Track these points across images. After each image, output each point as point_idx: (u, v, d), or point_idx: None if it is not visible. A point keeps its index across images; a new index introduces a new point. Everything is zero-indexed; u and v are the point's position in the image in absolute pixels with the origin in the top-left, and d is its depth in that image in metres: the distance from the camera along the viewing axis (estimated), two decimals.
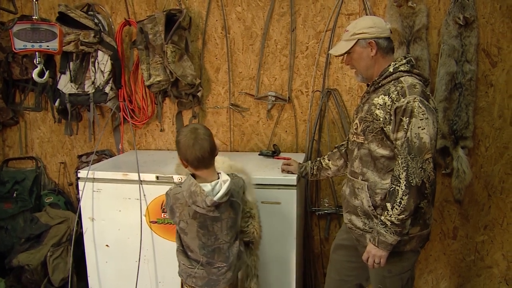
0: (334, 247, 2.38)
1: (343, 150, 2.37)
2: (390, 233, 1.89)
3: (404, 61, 2.02)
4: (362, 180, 2.05)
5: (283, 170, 2.53)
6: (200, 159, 1.92)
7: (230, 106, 3.17)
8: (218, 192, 1.90)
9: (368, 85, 2.16)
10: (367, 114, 2.02)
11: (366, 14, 2.87)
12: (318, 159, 2.49)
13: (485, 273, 3.03)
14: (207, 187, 1.90)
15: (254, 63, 3.11)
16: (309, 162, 2.50)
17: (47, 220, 3.19)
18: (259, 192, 2.46)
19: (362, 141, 2.05)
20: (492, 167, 2.89)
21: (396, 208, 1.86)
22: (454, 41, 2.70)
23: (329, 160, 2.42)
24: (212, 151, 1.95)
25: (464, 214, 2.98)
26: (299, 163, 2.51)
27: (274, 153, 2.96)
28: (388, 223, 1.88)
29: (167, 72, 2.96)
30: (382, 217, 1.91)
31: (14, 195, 3.45)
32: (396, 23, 2.75)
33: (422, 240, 2.08)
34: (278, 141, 3.14)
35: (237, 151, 3.23)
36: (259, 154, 3.02)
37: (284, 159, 2.86)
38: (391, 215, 1.87)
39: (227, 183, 1.92)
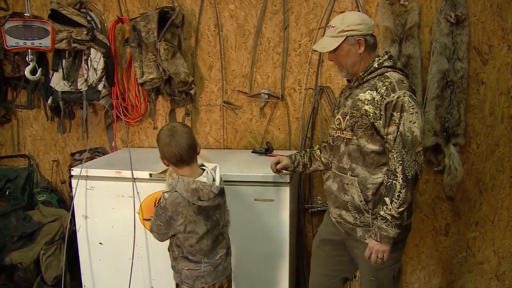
0: (319, 242, 2.38)
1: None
2: (392, 227, 1.91)
3: (386, 56, 2.07)
4: (351, 175, 2.07)
5: (277, 171, 2.39)
6: (177, 156, 1.94)
7: (223, 104, 3.18)
8: (214, 180, 1.99)
9: (349, 81, 2.18)
10: (353, 109, 2.04)
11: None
12: (309, 150, 2.45)
13: (476, 269, 3.06)
14: (204, 179, 1.95)
15: (247, 60, 3.11)
16: (297, 154, 2.43)
17: (40, 218, 3.18)
18: (253, 189, 2.48)
19: (350, 137, 2.06)
20: (484, 164, 2.92)
21: (395, 202, 1.88)
22: (445, 39, 2.72)
23: (320, 153, 2.38)
24: (191, 148, 1.96)
25: (456, 211, 3.01)
26: (287, 156, 2.43)
27: (267, 150, 2.97)
28: (389, 217, 1.90)
29: (160, 69, 2.95)
30: (382, 212, 1.92)
31: (7, 193, 3.43)
32: (388, 21, 2.77)
33: (409, 228, 2.15)
34: (271, 139, 3.15)
35: (230, 149, 3.23)
36: (252, 152, 3.02)
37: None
38: (390, 209, 1.89)
39: (218, 169, 2.02)
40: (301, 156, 2.41)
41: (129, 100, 3.27)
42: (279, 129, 3.14)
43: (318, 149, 2.40)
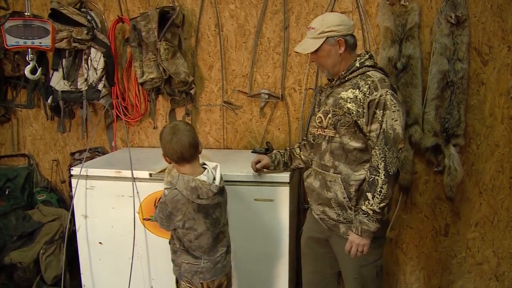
0: (306, 241, 2.41)
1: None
2: (373, 221, 1.96)
3: (367, 56, 2.12)
4: (334, 173, 2.11)
5: (257, 170, 2.43)
6: (178, 154, 1.97)
7: (223, 104, 3.17)
8: (215, 179, 2.00)
9: (330, 80, 2.22)
10: (335, 108, 2.08)
11: (359, 13, 2.89)
12: (289, 148, 2.51)
13: (475, 270, 3.06)
14: (204, 177, 1.96)
15: (247, 60, 3.11)
16: (277, 153, 2.49)
17: (39, 218, 3.18)
18: (252, 189, 2.48)
19: (333, 135, 2.10)
20: (483, 165, 2.92)
21: (377, 197, 1.94)
22: (446, 40, 2.72)
23: (300, 151, 2.44)
24: (193, 146, 1.99)
25: (455, 211, 3.01)
26: (268, 155, 2.47)
27: (267, 150, 2.96)
28: (370, 212, 1.95)
29: (160, 69, 2.95)
30: (364, 207, 1.97)
31: (6, 192, 3.42)
32: (389, 21, 2.77)
33: (388, 224, 2.23)
34: (271, 139, 3.15)
35: (230, 149, 3.23)
36: (252, 152, 3.02)
37: None
38: (372, 204, 1.94)
39: (219, 168, 2.03)
40: (281, 155, 2.47)
41: (129, 100, 3.27)
42: (279, 129, 3.14)
43: (297, 147, 2.46)
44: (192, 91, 3.09)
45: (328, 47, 2.07)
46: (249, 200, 2.49)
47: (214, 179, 2.03)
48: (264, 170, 2.45)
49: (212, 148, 3.24)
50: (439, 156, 2.87)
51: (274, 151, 2.50)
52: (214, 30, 3.12)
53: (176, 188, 1.96)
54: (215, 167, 2.06)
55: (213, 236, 2.07)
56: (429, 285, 3.14)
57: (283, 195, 2.47)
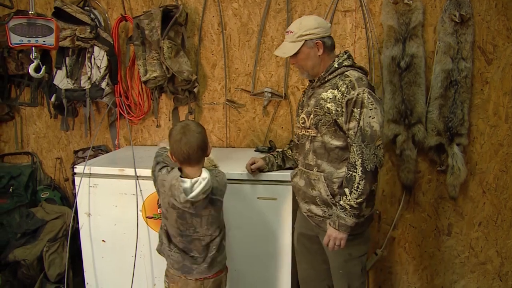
0: (297, 238, 2.45)
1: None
2: (350, 216, 2.00)
3: (345, 56, 2.17)
4: (317, 171, 2.16)
5: (252, 171, 2.44)
6: (185, 155, 1.92)
7: (226, 102, 3.17)
8: (193, 191, 1.88)
9: (311, 81, 2.27)
10: (317, 108, 2.13)
11: (363, 11, 2.88)
12: (281, 150, 2.56)
13: (479, 270, 3.05)
14: (186, 183, 1.87)
15: (251, 59, 3.11)
16: (270, 155, 2.52)
17: (43, 215, 3.18)
18: (255, 188, 2.48)
19: (315, 135, 2.15)
20: (487, 164, 2.91)
21: (354, 193, 1.98)
22: (450, 39, 2.71)
23: (292, 151, 2.49)
24: (201, 149, 1.94)
25: (458, 211, 3.00)
26: (262, 158, 2.49)
27: (270, 149, 2.96)
28: (347, 207, 1.99)
29: (163, 68, 2.96)
30: (341, 202, 2.01)
31: (10, 190, 3.44)
32: (392, 20, 2.76)
33: (371, 220, 2.26)
34: (274, 137, 3.15)
35: (233, 147, 3.23)
36: (255, 150, 3.02)
37: None
38: (349, 199, 1.99)
39: (204, 182, 1.88)
40: (275, 157, 2.51)
41: (132, 98, 3.27)
42: (282, 127, 3.14)
43: (289, 148, 2.53)
44: (195, 90, 3.09)
45: (307, 49, 2.12)
46: (252, 199, 2.49)
47: (192, 190, 1.89)
48: (259, 171, 2.48)
49: (215, 147, 3.24)
50: (443, 156, 2.87)
51: (267, 154, 2.54)
52: (217, 29, 3.12)
53: (168, 173, 1.98)
54: (204, 179, 1.90)
55: (187, 239, 2.05)
56: (432, 284, 3.13)
57: (287, 194, 2.47)
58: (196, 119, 3.24)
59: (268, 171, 2.48)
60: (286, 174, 2.47)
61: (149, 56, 2.98)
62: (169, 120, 3.28)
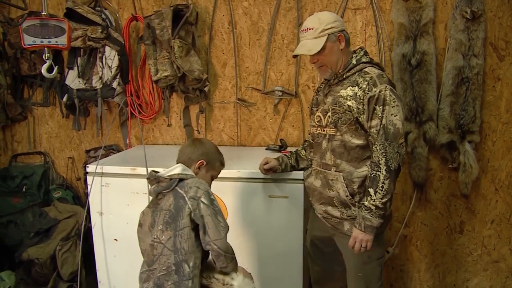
0: (311, 241, 2.41)
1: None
2: (375, 217, 1.96)
3: (362, 52, 2.12)
4: (336, 171, 2.10)
5: (265, 171, 2.38)
6: (179, 153, 2.03)
7: (237, 101, 3.18)
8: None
9: (326, 79, 2.20)
10: (335, 106, 2.07)
11: (373, 9, 2.88)
12: (295, 151, 2.48)
13: (492, 268, 3.03)
14: (160, 170, 1.93)
15: (261, 58, 3.11)
16: (284, 156, 2.45)
17: (55, 215, 3.21)
18: (267, 186, 2.48)
19: (334, 133, 2.09)
20: (499, 162, 2.89)
21: (379, 193, 1.94)
22: (461, 35, 2.70)
23: (305, 152, 2.42)
24: (187, 160, 1.97)
25: (471, 208, 2.98)
26: (275, 158, 2.42)
27: (281, 147, 2.97)
28: (373, 207, 1.95)
29: (174, 67, 2.97)
30: (366, 203, 1.97)
31: (23, 189, 3.47)
32: (403, 17, 2.76)
33: (389, 220, 2.20)
34: (285, 136, 3.15)
35: (244, 146, 3.24)
36: (266, 149, 3.03)
37: None
38: (374, 199, 1.95)
39: (175, 170, 1.90)
40: (288, 157, 2.44)
41: (143, 98, 3.29)
42: (293, 126, 3.14)
43: (302, 149, 2.45)
44: (206, 89, 3.10)
45: (331, 44, 2.06)
46: (264, 197, 2.49)
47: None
48: (272, 172, 2.41)
49: (226, 145, 3.25)
50: (454, 153, 2.86)
51: (281, 155, 2.48)
52: (228, 28, 3.12)
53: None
54: (174, 168, 1.93)
55: (150, 243, 1.86)
56: (444, 282, 3.12)
57: (298, 192, 2.46)
58: (207, 118, 3.25)
59: (281, 172, 2.43)
60: (297, 172, 2.46)
61: (160, 56, 3.00)
62: (180, 119, 3.29)
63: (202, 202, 1.77)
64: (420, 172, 2.90)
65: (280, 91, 3.08)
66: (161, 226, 1.83)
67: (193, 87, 3.09)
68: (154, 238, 1.83)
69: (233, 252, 1.82)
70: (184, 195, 1.80)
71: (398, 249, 3.10)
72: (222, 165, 2.08)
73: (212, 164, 2.02)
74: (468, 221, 3.01)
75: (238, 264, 1.92)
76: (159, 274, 1.78)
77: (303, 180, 2.43)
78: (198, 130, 3.27)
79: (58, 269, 3.02)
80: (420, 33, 2.75)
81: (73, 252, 3.07)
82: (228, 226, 1.81)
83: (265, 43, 3.08)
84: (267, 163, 2.39)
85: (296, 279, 2.58)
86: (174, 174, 1.88)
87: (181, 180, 1.88)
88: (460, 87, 2.75)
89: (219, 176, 2.12)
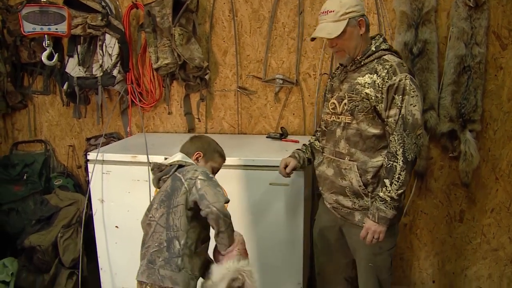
0: (319, 232, 2.37)
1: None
2: (390, 208, 1.94)
3: (381, 39, 2.06)
4: (350, 160, 2.06)
5: (287, 174, 2.29)
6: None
7: (238, 89, 3.17)
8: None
9: (342, 65, 2.15)
10: (352, 93, 2.02)
11: None
12: (308, 143, 2.40)
13: (491, 256, 3.05)
14: (161, 159, 1.98)
15: (262, 46, 3.10)
16: (299, 150, 2.37)
17: (56, 202, 3.22)
18: (268, 174, 2.48)
19: (349, 121, 2.04)
20: (500, 151, 2.89)
21: (395, 184, 1.91)
22: (463, 24, 2.68)
23: (319, 142, 2.32)
24: (186, 153, 1.99)
25: (471, 197, 2.99)
26: (291, 157, 2.33)
27: (281, 135, 2.97)
28: (388, 199, 1.93)
29: (174, 55, 2.96)
30: (381, 194, 1.94)
31: (24, 177, 3.48)
32: (405, 5, 2.74)
33: (402, 211, 2.19)
34: (285, 124, 3.15)
35: (245, 134, 3.24)
36: (267, 137, 3.03)
37: (292, 141, 2.88)
38: (390, 190, 1.92)
39: (175, 157, 1.93)
40: (303, 151, 2.37)
41: (144, 86, 3.28)
42: (293, 114, 3.14)
43: (315, 140, 2.36)
44: (206, 77, 3.09)
45: (351, 29, 1.99)
46: (264, 185, 2.49)
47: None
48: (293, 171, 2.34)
49: (227, 133, 3.25)
50: (455, 142, 2.86)
51: (296, 150, 2.39)
52: (228, 15, 3.10)
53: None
54: (174, 156, 1.96)
55: (147, 222, 1.88)
56: (443, 270, 3.14)
57: (299, 180, 2.47)
58: (207, 106, 3.25)
59: (301, 168, 2.35)
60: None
61: (161, 43, 2.98)
62: (181, 107, 3.29)
63: (200, 179, 1.77)
64: (421, 161, 2.90)
65: (281, 79, 3.07)
66: (156, 204, 1.85)
67: (193, 75, 3.08)
68: (150, 217, 1.86)
69: (231, 218, 1.80)
70: (182, 177, 1.81)
71: (398, 237, 3.11)
72: (221, 156, 2.06)
73: (210, 155, 2.02)
74: (468, 210, 3.02)
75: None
76: (152, 251, 1.79)
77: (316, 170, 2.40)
78: (198, 118, 3.27)
79: (60, 256, 3.03)
80: (422, 21, 2.73)
81: (75, 239, 3.09)
82: (228, 198, 1.79)
83: (266, 31, 3.06)
84: (286, 165, 2.29)
85: (297, 267, 2.59)
86: (174, 161, 1.90)
87: (180, 166, 1.89)
88: (462, 76, 2.74)
89: None
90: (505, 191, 2.93)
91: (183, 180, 1.80)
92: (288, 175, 2.31)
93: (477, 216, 3.01)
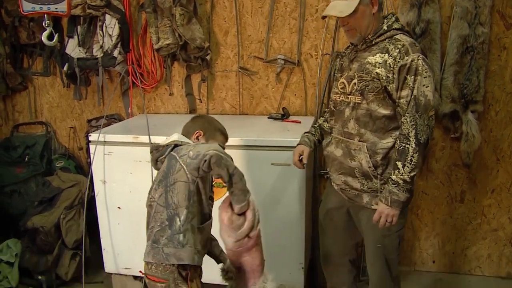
0: (326, 213, 2.35)
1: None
2: (403, 191, 1.91)
3: (394, 18, 2.02)
4: (359, 141, 2.03)
5: (302, 166, 2.26)
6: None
7: (239, 70, 3.16)
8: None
9: (352, 44, 2.11)
10: (362, 73, 1.99)
11: None
12: (317, 125, 2.36)
13: (490, 236, 3.07)
14: (162, 139, 1.94)
15: (263, 26, 3.07)
16: (308, 134, 2.33)
17: (58, 184, 3.23)
18: (269, 154, 2.49)
19: (359, 101, 2.01)
20: (502, 132, 2.89)
21: (407, 166, 1.88)
22: (467, 3, 2.65)
23: (328, 123, 2.29)
24: (185, 134, 1.98)
25: (472, 178, 3.00)
26: (301, 144, 2.28)
27: (283, 116, 2.97)
28: (401, 181, 1.90)
29: (175, 35, 2.94)
30: (394, 176, 1.91)
31: (26, 159, 3.49)
32: None
33: (413, 193, 2.11)
34: (287, 104, 3.14)
35: (246, 114, 3.23)
36: (268, 117, 3.03)
37: (293, 122, 2.88)
38: (402, 173, 1.89)
39: (171, 138, 1.89)
40: (313, 134, 2.33)
41: (145, 66, 3.27)
42: (295, 94, 3.13)
43: (324, 121, 2.33)
44: (207, 57, 3.07)
45: (363, 7, 1.93)
46: (266, 165, 2.50)
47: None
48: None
49: (228, 114, 3.24)
50: (457, 123, 2.85)
51: (305, 134, 2.35)
52: None
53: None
54: (170, 137, 1.92)
55: (148, 203, 1.89)
56: (444, 250, 3.16)
57: None
58: (208, 87, 3.24)
59: (314, 151, 2.31)
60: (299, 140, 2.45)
61: (161, 24, 2.96)
62: (182, 88, 3.28)
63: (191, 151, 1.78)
64: None
65: (283, 59, 3.05)
66: (155, 185, 1.86)
67: (195, 55, 3.06)
68: (150, 198, 1.87)
69: (233, 160, 1.79)
70: (176, 155, 1.81)
71: None
72: (222, 134, 2.04)
73: (211, 133, 2.00)
74: (468, 191, 3.03)
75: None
76: (155, 231, 1.80)
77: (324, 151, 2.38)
78: (200, 99, 3.26)
79: (63, 237, 3.05)
80: (425, 1, 2.70)
81: (77, 221, 3.11)
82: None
83: (268, 11, 3.03)
84: (300, 155, 2.24)
85: (298, 248, 2.61)
86: (170, 142, 1.89)
87: (176, 146, 1.88)
88: (465, 56, 2.72)
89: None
90: (506, 172, 2.94)
91: (177, 157, 1.80)
92: (303, 166, 2.27)
93: (478, 197, 3.02)
